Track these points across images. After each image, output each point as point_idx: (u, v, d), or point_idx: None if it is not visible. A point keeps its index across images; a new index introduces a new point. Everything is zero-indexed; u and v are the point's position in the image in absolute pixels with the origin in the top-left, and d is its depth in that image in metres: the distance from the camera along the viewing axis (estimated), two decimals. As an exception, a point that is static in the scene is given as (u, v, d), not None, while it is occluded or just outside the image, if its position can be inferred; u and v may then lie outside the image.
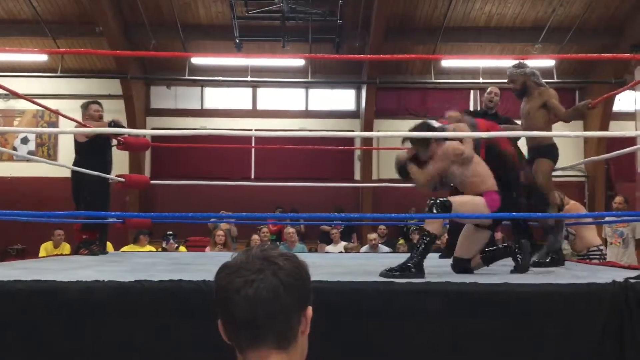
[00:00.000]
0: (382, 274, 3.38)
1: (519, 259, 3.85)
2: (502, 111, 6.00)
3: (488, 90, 5.76)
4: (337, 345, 2.57)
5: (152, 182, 7.59)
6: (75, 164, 5.52)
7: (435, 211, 3.63)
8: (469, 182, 3.84)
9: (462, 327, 2.64)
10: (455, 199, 3.73)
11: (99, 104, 5.86)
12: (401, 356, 2.61)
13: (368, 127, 12.73)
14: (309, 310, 1.21)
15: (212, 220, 8.38)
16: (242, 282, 1.15)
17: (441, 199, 3.70)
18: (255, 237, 8.67)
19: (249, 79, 12.56)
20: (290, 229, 8.63)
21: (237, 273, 1.16)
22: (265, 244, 8.39)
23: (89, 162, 5.42)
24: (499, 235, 8.74)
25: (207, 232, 9.02)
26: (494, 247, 4.10)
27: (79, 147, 5.61)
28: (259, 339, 1.15)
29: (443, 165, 3.84)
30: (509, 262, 3.96)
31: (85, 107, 5.79)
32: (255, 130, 12.72)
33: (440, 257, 5.69)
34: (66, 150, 12.11)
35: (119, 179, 6.00)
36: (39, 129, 13.12)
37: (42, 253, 8.30)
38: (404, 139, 4.22)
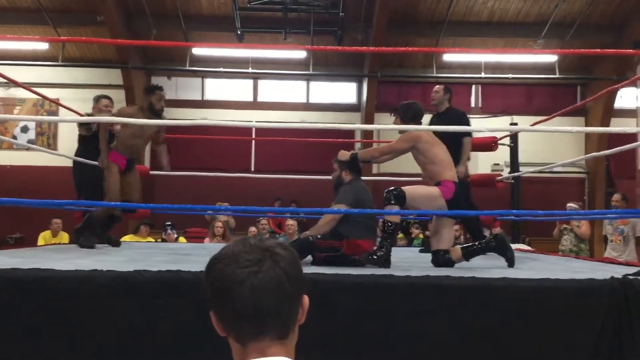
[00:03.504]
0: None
1: (507, 252, 3.95)
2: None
3: None
4: (331, 340, 2.57)
5: (152, 172, 7.57)
6: (77, 154, 5.60)
7: (392, 202, 3.80)
8: (428, 169, 4.06)
9: (460, 321, 2.64)
10: (408, 189, 3.87)
11: (109, 99, 5.87)
12: (399, 352, 2.61)
13: (369, 120, 12.71)
14: (306, 299, 1.21)
15: (209, 212, 8.36)
16: (246, 273, 1.13)
17: (395, 189, 3.84)
18: (252, 229, 8.64)
19: (250, 70, 12.53)
20: (291, 221, 8.60)
21: (237, 264, 1.14)
22: (264, 235, 8.39)
23: (91, 153, 5.46)
24: (498, 230, 8.74)
25: (207, 223, 9.02)
26: (476, 243, 4.15)
27: (82, 137, 5.66)
28: (263, 330, 1.14)
29: (401, 146, 4.06)
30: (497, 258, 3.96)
31: (96, 101, 5.80)
32: (256, 122, 12.70)
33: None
34: (66, 140, 12.11)
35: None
36: (39, 117, 13.09)
37: (40, 242, 8.32)
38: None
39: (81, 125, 5.68)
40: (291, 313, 1.17)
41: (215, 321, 1.19)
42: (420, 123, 4.20)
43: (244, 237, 1.22)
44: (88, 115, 5.76)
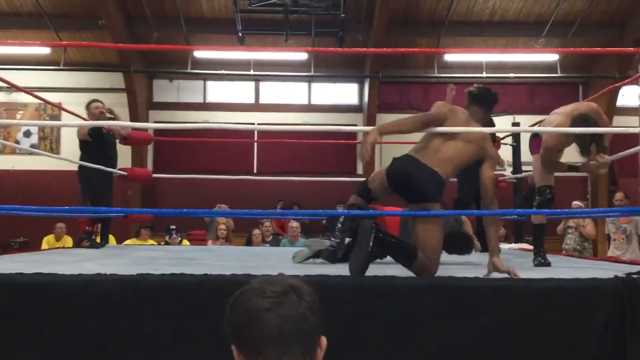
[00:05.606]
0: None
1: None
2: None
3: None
4: (340, 341, 2.57)
5: (155, 175, 7.59)
6: (81, 160, 5.56)
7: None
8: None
9: (463, 322, 2.63)
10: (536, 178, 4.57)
11: (98, 101, 5.87)
12: (403, 354, 2.61)
13: (371, 121, 12.69)
14: (324, 340, 1.22)
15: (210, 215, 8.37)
16: (271, 303, 1.15)
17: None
18: (256, 231, 8.65)
19: (251, 72, 12.53)
20: (294, 223, 8.58)
21: (263, 294, 1.17)
22: (268, 236, 8.37)
23: (93, 158, 5.44)
24: (502, 231, 8.72)
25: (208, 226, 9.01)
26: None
27: (82, 144, 5.63)
28: (287, 356, 1.15)
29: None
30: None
31: (87, 107, 5.81)
32: (258, 124, 12.70)
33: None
34: (69, 144, 12.11)
35: (121, 172, 6.00)
36: (42, 122, 13.12)
37: (44, 246, 8.33)
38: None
39: (86, 130, 5.61)
40: (311, 349, 1.18)
41: (237, 354, 1.19)
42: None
43: (268, 276, 1.23)
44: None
